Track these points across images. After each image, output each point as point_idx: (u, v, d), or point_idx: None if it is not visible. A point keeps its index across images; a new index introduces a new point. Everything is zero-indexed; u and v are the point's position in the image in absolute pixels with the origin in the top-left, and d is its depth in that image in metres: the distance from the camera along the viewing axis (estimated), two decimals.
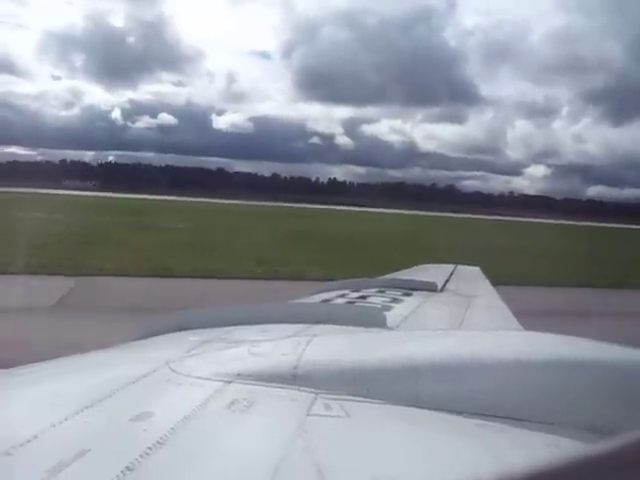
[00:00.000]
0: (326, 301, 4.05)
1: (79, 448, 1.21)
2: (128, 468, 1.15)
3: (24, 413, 1.48)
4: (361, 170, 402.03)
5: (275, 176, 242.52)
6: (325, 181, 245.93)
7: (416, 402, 1.59)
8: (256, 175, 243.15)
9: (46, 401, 1.56)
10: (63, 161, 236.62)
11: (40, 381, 1.82)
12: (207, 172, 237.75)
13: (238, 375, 1.69)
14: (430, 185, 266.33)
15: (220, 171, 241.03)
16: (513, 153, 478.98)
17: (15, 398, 1.63)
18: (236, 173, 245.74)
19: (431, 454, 1.37)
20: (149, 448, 1.23)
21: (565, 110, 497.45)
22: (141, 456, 1.20)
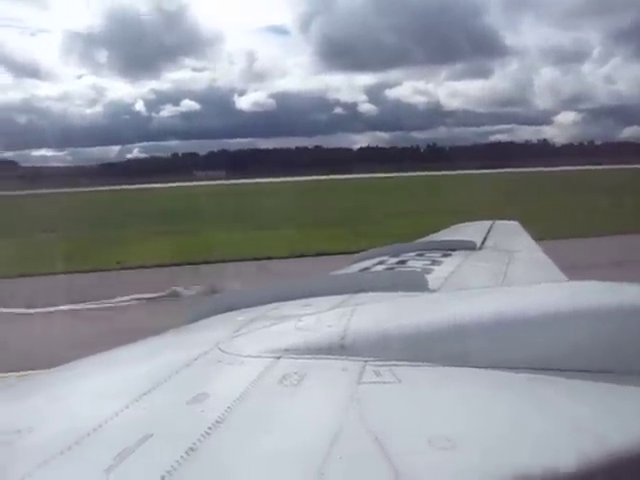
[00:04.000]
0: (365, 269, 4.09)
1: (142, 433, 1.26)
2: (191, 449, 1.19)
3: (88, 404, 1.55)
4: (386, 135, 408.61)
5: (372, 147, 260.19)
6: (423, 148, 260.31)
7: (465, 362, 1.59)
8: (351, 150, 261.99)
9: (106, 391, 1.64)
10: (175, 154, 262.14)
11: (98, 372, 1.91)
12: (307, 150, 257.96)
13: (286, 350, 1.73)
14: (524, 142, 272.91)
15: (318, 148, 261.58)
16: (542, 102, 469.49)
17: (77, 390, 1.71)
18: (332, 149, 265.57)
19: (485, 412, 1.37)
20: (209, 428, 1.28)
21: (593, 52, 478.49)
22: (202, 436, 1.25)
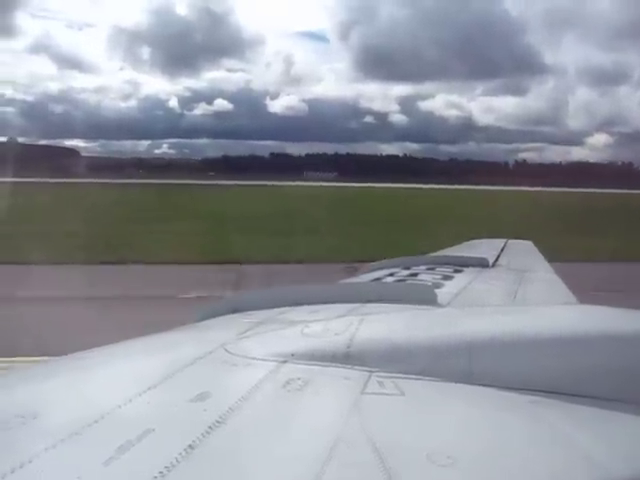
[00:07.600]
0: (376, 280, 4.06)
1: (144, 428, 1.26)
2: (190, 447, 1.19)
3: (91, 395, 1.55)
4: (415, 147, 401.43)
5: (432, 159, 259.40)
6: (503, 162, 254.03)
7: (469, 379, 1.58)
8: (432, 159, 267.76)
9: (110, 383, 1.65)
10: (272, 154, 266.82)
11: (102, 364, 1.90)
12: (393, 158, 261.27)
13: (292, 355, 1.72)
14: (609, 165, 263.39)
15: (396, 157, 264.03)
16: (575, 122, 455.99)
17: (81, 381, 1.71)
18: (414, 158, 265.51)
19: (485, 431, 1.36)
20: (209, 427, 1.28)
21: (633, 75, 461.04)
22: (202, 435, 1.25)
